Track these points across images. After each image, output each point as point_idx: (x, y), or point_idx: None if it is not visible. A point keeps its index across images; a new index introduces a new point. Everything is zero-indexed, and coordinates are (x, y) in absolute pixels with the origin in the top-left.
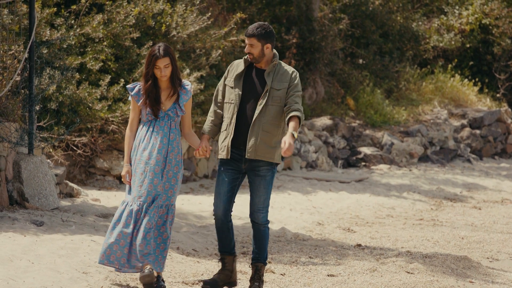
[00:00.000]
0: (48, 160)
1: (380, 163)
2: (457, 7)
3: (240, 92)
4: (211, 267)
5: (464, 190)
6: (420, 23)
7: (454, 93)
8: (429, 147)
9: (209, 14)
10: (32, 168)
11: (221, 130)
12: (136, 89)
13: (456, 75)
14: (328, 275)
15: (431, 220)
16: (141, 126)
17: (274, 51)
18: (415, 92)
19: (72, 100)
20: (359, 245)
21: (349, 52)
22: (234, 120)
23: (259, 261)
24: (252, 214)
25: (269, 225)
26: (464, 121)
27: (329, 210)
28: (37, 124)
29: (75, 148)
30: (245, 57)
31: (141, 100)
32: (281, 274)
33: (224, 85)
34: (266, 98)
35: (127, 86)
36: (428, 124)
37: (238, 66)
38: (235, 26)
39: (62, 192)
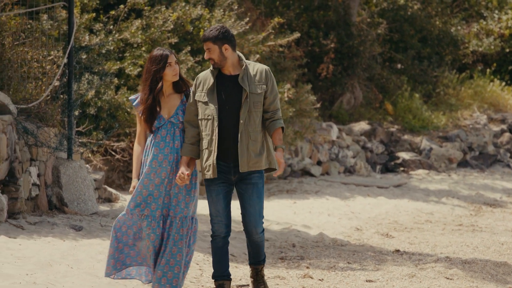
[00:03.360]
0: (87, 165)
1: (418, 168)
2: (496, 12)
3: (217, 106)
4: (249, 272)
5: (504, 196)
6: (459, 27)
7: (494, 98)
8: (468, 152)
9: (247, 19)
10: (71, 173)
11: (202, 148)
12: (138, 99)
13: (495, 79)
14: (366, 281)
15: (470, 225)
16: (147, 137)
17: (239, 53)
18: (454, 97)
19: (111, 105)
20: (398, 251)
21: (387, 57)
22: (215, 136)
23: (259, 263)
24: (247, 228)
25: (307, 230)
26: (504, 126)
27: (368, 215)
28: (76, 129)
29: (113, 153)
30: (211, 68)
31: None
32: (320, 280)
33: (195, 101)
34: (248, 105)
35: (130, 97)
36: (467, 129)
37: (206, 79)
38: (273, 31)
39: (101, 197)
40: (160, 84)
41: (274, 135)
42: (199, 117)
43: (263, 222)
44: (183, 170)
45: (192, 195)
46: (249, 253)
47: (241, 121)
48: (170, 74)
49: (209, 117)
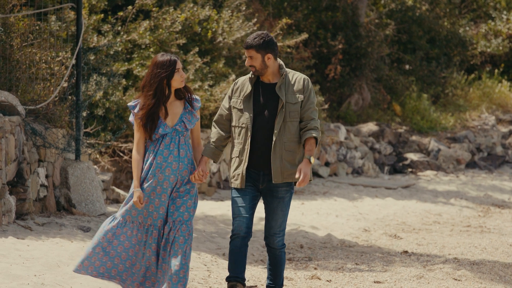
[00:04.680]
0: (95, 166)
1: (426, 169)
2: (504, 12)
3: (252, 115)
4: (257, 273)
5: None
6: (467, 28)
7: (502, 99)
8: (477, 153)
9: (255, 20)
10: (79, 174)
11: (232, 156)
12: (139, 106)
13: (504, 80)
14: (374, 282)
15: (478, 226)
16: (148, 146)
17: (279, 60)
18: (462, 98)
19: (119, 106)
20: (406, 252)
21: (395, 58)
22: (248, 146)
23: (274, 286)
24: (267, 238)
25: (315, 231)
26: None
27: (376, 217)
28: (84, 130)
29: (121, 154)
30: (250, 75)
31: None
32: (327, 281)
33: (230, 107)
34: (283, 115)
35: (129, 104)
36: (476, 130)
37: (244, 85)
38: (281, 32)
39: (109, 198)
40: (168, 91)
41: (305, 145)
42: (233, 123)
43: (283, 237)
44: (203, 168)
45: (193, 201)
46: (268, 271)
47: (275, 131)
48: (178, 80)
49: (243, 125)
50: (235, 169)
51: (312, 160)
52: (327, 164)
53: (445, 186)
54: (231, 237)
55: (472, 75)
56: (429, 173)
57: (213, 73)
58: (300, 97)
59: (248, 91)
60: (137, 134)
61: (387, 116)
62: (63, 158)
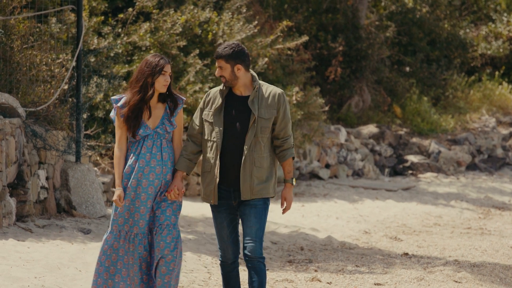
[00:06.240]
0: (95, 168)
1: (427, 171)
2: (505, 14)
3: (222, 129)
4: None
5: None
6: (467, 30)
7: (502, 101)
8: (477, 156)
9: (256, 22)
10: (80, 176)
11: (204, 171)
12: (123, 100)
13: (504, 82)
14: (375, 284)
15: (479, 228)
16: (129, 147)
17: (252, 72)
18: (463, 100)
19: None
20: (406, 254)
21: (395, 60)
22: (218, 161)
23: None
24: (244, 248)
25: (316, 233)
26: None
27: (376, 219)
28: (84, 132)
29: None
30: (221, 87)
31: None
32: (328, 283)
33: (202, 119)
34: (255, 129)
35: (112, 97)
36: (476, 132)
37: (215, 97)
38: (281, 34)
39: (109, 200)
40: (152, 90)
41: (284, 166)
42: (205, 137)
43: (261, 248)
44: (180, 187)
45: (178, 204)
46: (249, 285)
47: (246, 146)
48: (161, 83)
49: (214, 139)
50: (207, 185)
51: (294, 182)
52: (327, 166)
53: (446, 188)
54: (220, 261)
55: (473, 77)
56: (430, 175)
57: (214, 75)
58: (273, 112)
59: (219, 103)
60: (119, 132)
61: (388, 118)
62: (64, 160)
